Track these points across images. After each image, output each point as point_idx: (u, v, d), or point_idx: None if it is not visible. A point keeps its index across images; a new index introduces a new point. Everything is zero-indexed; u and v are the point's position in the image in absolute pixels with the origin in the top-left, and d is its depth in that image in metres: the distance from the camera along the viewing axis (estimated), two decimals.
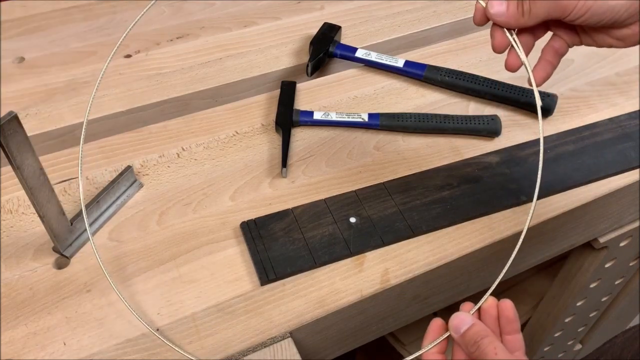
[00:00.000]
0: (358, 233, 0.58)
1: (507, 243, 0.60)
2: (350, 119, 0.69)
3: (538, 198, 0.62)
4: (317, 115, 0.69)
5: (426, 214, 0.60)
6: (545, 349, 1.05)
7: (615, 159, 0.66)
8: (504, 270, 0.47)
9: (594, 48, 0.50)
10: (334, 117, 0.69)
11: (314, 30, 0.81)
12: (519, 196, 0.62)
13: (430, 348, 0.45)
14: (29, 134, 0.48)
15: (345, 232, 0.58)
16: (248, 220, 0.59)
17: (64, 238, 0.56)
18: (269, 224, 0.59)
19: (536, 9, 0.45)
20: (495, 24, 0.48)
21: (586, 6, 0.43)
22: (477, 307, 0.45)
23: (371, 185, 0.62)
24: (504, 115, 0.71)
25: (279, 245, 0.57)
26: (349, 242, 0.57)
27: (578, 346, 1.11)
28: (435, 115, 0.69)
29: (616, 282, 0.92)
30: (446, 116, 0.69)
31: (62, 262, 0.56)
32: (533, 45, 0.50)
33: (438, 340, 0.45)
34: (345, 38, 0.83)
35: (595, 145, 0.67)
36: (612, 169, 0.65)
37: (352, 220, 0.59)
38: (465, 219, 0.60)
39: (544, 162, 0.64)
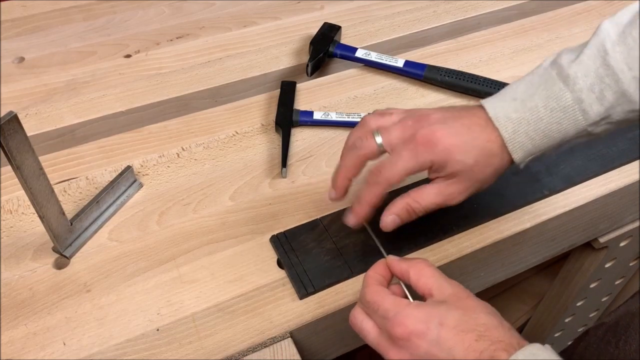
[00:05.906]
0: (390, 238, 0.56)
1: (507, 243, 0.61)
2: (350, 119, 0.69)
3: (558, 191, 0.63)
4: (317, 115, 0.69)
5: (454, 214, 0.59)
6: None
7: (628, 147, 0.67)
8: None
9: None
10: (334, 117, 0.69)
11: (314, 30, 0.81)
12: (542, 190, 0.62)
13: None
14: (29, 134, 0.48)
15: (378, 238, 0.57)
16: (278, 234, 0.58)
17: (63, 238, 0.56)
18: (299, 235, 0.58)
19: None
20: None
21: None
22: None
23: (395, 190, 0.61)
24: None
25: (312, 257, 0.56)
26: (382, 248, 0.55)
27: None
28: None
29: (616, 282, 0.92)
30: None
31: (62, 262, 0.56)
32: None
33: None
34: (345, 38, 0.83)
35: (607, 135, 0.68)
36: (625, 158, 0.66)
37: None
38: (494, 217, 0.60)
39: (560, 155, 0.64)
